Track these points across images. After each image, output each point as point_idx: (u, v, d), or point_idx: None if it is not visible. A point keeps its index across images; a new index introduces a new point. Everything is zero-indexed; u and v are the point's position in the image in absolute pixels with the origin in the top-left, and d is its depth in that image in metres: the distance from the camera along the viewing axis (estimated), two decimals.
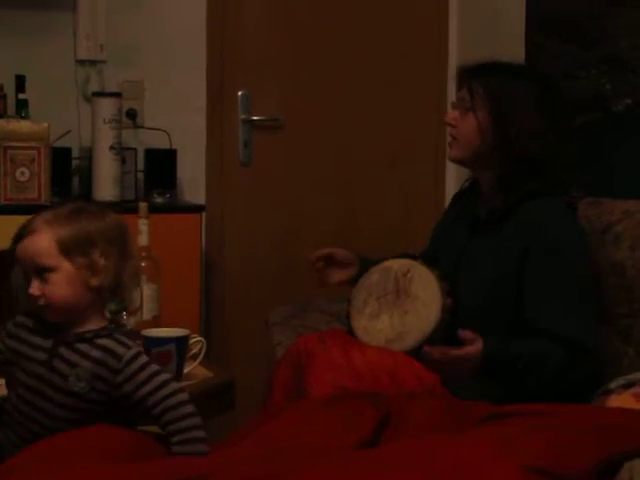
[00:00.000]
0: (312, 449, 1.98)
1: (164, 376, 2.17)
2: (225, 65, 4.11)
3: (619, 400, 2.34)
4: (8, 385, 2.24)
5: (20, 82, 3.75)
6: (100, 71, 3.96)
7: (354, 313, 2.76)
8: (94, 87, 3.91)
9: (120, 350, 2.16)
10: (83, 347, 2.17)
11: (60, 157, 3.71)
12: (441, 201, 4.37)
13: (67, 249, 2.14)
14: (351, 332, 2.75)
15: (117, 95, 3.76)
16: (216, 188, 4.12)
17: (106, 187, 3.69)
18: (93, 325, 2.20)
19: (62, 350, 2.17)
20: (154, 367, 2.17)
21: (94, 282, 2.17)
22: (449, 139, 2.77)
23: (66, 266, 2.15)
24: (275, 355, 2.98)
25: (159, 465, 1.95)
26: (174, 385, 2.18)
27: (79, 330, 2.18)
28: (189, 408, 2.15)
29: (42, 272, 2.14)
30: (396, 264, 2.75)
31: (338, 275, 2.95)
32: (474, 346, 2.53)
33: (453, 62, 4.32)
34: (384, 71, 4.31)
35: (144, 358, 2.18)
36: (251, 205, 4.18)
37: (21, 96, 3.73)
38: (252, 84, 4.15)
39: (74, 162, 3.85)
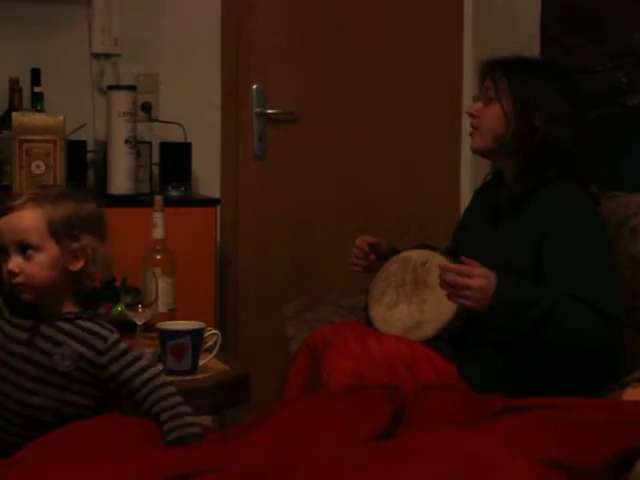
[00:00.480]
0: (326, 441, 1.98)
1: (146, 361, 2.21)
2: (240, 58, 4.11)
3: (634, 393, 2.34)
4: None
5: (35, 75, 3.76)
6: (115, 64, 3.97)
7: (372, 303, 2.77)
8: (109, 80, 3.92)
9: (104, 332, 2.18)
10: (66, 326, 2.17)
11: (75, 150, 3.72)
12: (455, 195, 4.37)
13: (56, 230, 2.16)
14: (369, 322, 2.76)
15: (132, 88, 3.77)
16: (231, 181, 4.13)
17: (121, 180, 3.69)
18: (68, 308, 2.20)
19: (43, 328, 2.17)
20: (136, 352, 2.20)
21: (74, 266, 2.18)
22: (470, 130, 2.79)
23: (52, 247, 2.16)
24: (290, 349, 2.99)
25: (171, 455, 1.95)
26: (157, 369, 2.24)
27: (55, 311, 2.19)
28: (174, 389, 2.18)
29: (26, 249, 2.14)
30: (415, 254, 2.76)
31: (377, 264, 2.94)
32: (485, 271, 2.49)
33: (468, 55, 4.32)
34: (399, 65, 4.30)
35: (126, 343, 2.20)
36: (266, 198, 4.18)
37: (37, 89, 3.74)
38: (267, 77, 4.15)
39: (89, 155, 3.85)
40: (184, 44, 4.02)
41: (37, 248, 2.15)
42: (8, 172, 3.59)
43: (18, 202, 2.16)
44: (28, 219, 2.15)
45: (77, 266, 2.19)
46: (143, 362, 2.18)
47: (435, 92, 4.35)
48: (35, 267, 2.15)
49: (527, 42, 3.82)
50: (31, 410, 2.15)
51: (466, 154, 4.35)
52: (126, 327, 2.64)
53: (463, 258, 2.53)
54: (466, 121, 4.27)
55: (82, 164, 3.79)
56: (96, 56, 3.95)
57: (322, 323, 2.96)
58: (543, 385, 2.49)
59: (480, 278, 2.48)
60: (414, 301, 2.70)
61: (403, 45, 4.30)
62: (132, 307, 2.53)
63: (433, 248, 2.81)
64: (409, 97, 4.32)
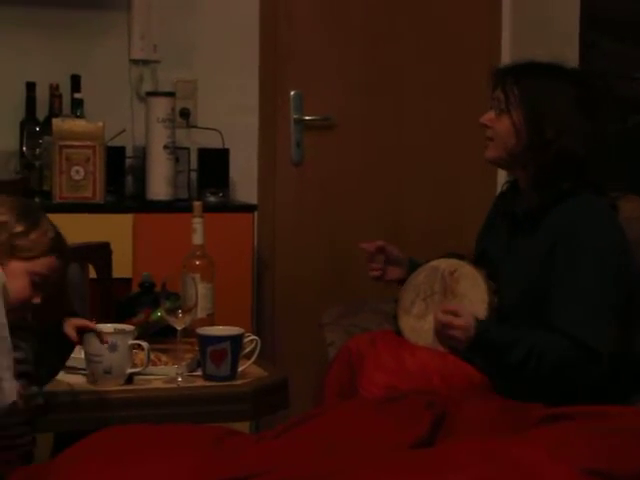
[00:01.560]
0: (367, 448, 1.98)
1: None
2: (278, 65, 4.13)
3: None
4: None
5: (75, 82, 3.79)
6: (154, 71, 3.99)
7: (401, 313, 2.76)
8: (148, 87, 3.95)
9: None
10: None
11: (114, 156, 3.74)
12: (491, 196, 4.34)
13: None
14: (398, 332, 2.75)
15: (171, 95, 3.79)
16: (268, 187, 4.14)
17: (159, 186, 3.72)
18: None
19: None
20: None
21: None
22: (485, 140, 2.76)
23: None
24: (327, 355, 2.98)
25: (212, 460, 1.96)
26: None
27: None
28: None
29: None
30: (443, 264, 2.75)
31: (392, 272, 2.94)
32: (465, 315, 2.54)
33: (506, 62, 4.30)
34: (436, 71, 4.30)
35: None
36: (302, 204, 4.19)
37: (76, 96, 3.77)
38: (304, 84, 4.16)
39: (128, 161, 3.88)
40: (222, 50, 4.03)
41: None
42: (48, 177, 3.62)
43: None
44: None
45: None
46: None
47: (472, 98, 4.33)
48: None
49: (565, 47, 3.81)
50: None
51: None
52: (165, 332, 2.66)
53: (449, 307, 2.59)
54: None
55: (121, 170, 3.82)
56: (135, 62, 3.98)
57: (360, 329, 2.96)
58: (574, 397, 2.46)
59: (464, 318, 2.54)
60: None
61: (441, 51, 4.30)
62: (172, 312, 2.53)
63: (461, 257, 2.80)
64: (446, 103, 4.31)
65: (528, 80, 2.66)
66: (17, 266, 2.16)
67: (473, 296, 2.64)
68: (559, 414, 2.13)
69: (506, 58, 4.32)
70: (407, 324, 2.73)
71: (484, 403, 2.28)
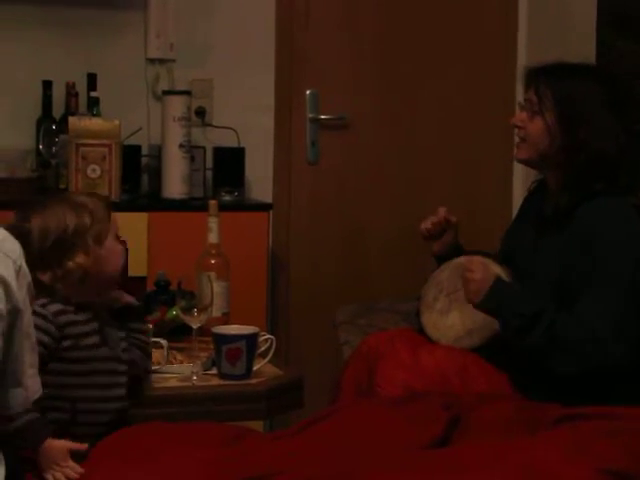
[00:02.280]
0: (383, 448, 1.98)
1: None
2: (293, 64, 4.12)
3: None
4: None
5: (92, 80, 3.79)
6: (170, 69, 3.99)
7: (424, 309, 2.76)
8: (164, 85, 3.95)
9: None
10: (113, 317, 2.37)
11: (130, 154, 3.74)
12: (508, 201, 4.35)
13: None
14: (421, 329, 2.75)
15: (187, 93, 3.79)
16: (283, 186, 4.14)
17: (175, 185, 3.72)
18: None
19: (108, 325, 2.32)
20: None
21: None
22: (517, 140, 2.76)
23: None
24: (342, 354, 2.99)
25: (226, 458, 1.96)
26: None
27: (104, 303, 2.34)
28: None
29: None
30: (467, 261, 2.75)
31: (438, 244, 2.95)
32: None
33: (522, 62, 4.29)
34: (451, 71, 4.29)
35: None
36: (317, 203, 4.19)
37: (93, 94, 3.77)
38: (320, 83, 4.16)
39: (144, 160, 3.88)
40: (238, 50, 4.03)
41: None
42: (64, 176, 3.62)
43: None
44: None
45: None
46: None
47: (488, 98, 4.33)
48: None
49: (582, 46, 3.80)
50: (118, 402, 2.27)
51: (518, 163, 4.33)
52: (181, 331, 2.66)
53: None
54: None
55: (137, 168, 3.82)
56: (151, 61, 3.98)
57: (375, 329, 2.96)
58: (597, 395, 2.46)
59: (478, 272, 2.57)
60: (466, 308, 2.69)
61: (456, 50, 4.29)
62: (187, 311, 2.54)
63: (487, 255, 2.80)
64: (462, 103, 4.31)
65: (560, 81, 2.67)
66: (108, 243, 2.30)
67: None
68: (575, 414, 2.12)
69: (522, 58, 4.31)
70: (430, 320, 2.74)
71: (501, 403, 2.28)
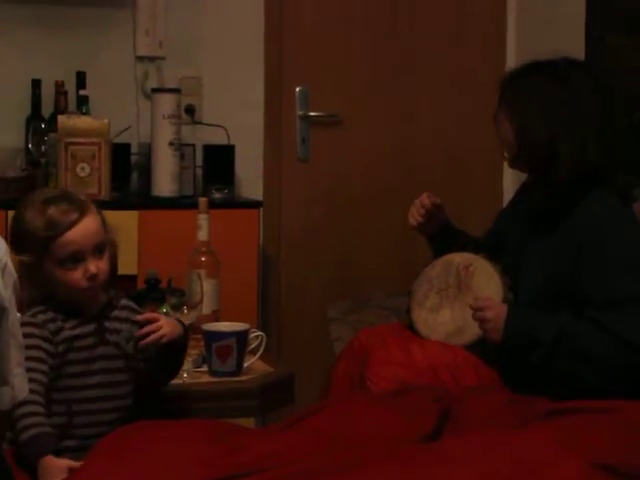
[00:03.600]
0: (374, 442, 1.98)
1: None
2: (283, 61, 4.12)
3: None
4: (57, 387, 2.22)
5: (81, 79, 3.79)
6: (159, 67, 3.99)
7: (415, 306, 2.76)
8: (153, 83, 3.94)
9: (134, 305, 2.34)
10: (117, 313, 2.30)
11: (120, 153, 3.74)
12: (499, 197, 4.35)
13: (105, 226, 2.26)
14: (411, 325, 2.75)
15: (176, 91, 3.79)
16: (274, 184, 4.14)
17: (165, 183, 3.71)
18: (102, 297, 2.29)
19: (106, 323, 2.27)
20: None
21: (114, 255, 2.27)
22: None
23: (106, 242, 2.25)
24: (333, 350, 2.99)
25: (219, 454, 1.96)
26: None
27: (99, 303, 2.27)
28: None
29: (101, 250, 2.22)
30: (458, 257, 2.75)
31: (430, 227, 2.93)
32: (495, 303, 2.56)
33: (512, 57, 4.30)
34: (442, 67, 4.29)
35: None
36: (308, 200, 4.18)
37: (82, 92, 3.77)
38: (310, 80, 4.16)
39: (133, 158, 3.88)
40: (228, 47, 4.03)
41: (105, 245, 2.24)
42: (54, 174, 3.61)
43: (77, 208, 2.20)
44: (95, 221, 2.22)
45: (114, 255, 2.29)
46: None
47: (479, 94, 4.33)
48: (104, 264, 2.23)
49: (571, 42, 3.80)
50: (120, 400, 2.26)
51: None
52: None
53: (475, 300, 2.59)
54: None
55: (126, 166, 3.81)
56: (140, 59, 3.98)
57: (366, 325, 2.96)
58: (589, 390, 2.46)
59: (490, 310, 2.55)
60: (457, 306, 2.69)
61: (446, 47, 4.29)
62: (177, 308, 2.53)
63: (477, 250, 2.80)
64: (452, 99, 4.31)
65: (514, 88, 2.68)
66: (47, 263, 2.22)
67: (488, 291, 2.64)
68: (565, 408, 2.13)
69: (512, 55, 4.31)
70: (420, 317, 2.74)
71: (491, 397, 2.29)
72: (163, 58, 3.99)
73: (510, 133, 2.66)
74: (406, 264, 4.10)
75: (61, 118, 3.59)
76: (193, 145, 3.90)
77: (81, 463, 2.01)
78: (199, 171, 3.90)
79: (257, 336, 2.64)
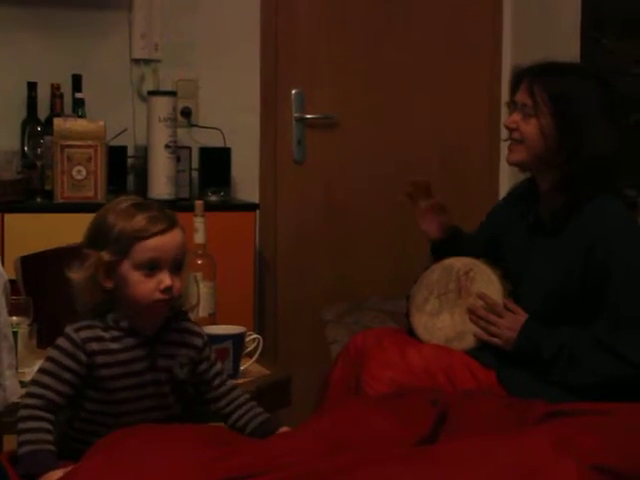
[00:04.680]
0: (372, 446, 1.98)
1: None
2: (279, 63, 4.13)
3: None
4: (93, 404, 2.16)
5: (77, 81, 3.79)
6: (155, 70, 3.99)
7: (414, 311, 2.75)
8: (149, 86, 3.94)
9: (198, 329, 2.23)
10: (173, 336, 2.19)
11: (116, 155, 3.74)
12: (494, 199, 4.35)
13: (185, 246, 2.19)
14: (411, 330, 2.75)
15: (172, 94, 3.79)
16: (270, 186, 4.14)
17: (161, 185, 3.71)
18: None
19: (159, 348, 2.17)
20: None
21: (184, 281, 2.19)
22: (510, 143, 2.70)
23: (185, 263, 2.18)
24: (330, 353, 2.99)
25: (216, 458, 1.96)
26: None
27: (156, 324, 2.18)
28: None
29: (179, 267, 2.15)
30: (458, 262, 2.75)
31: (429, 222, 2.96)
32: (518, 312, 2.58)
33: (507, 59, 4.31)
34: (437, 69, 4.30)
35: None
36: (304, 203, 4.19)
37: (78, 95, 3.77)
38: (306, 82, 4.16)
39: (129, 160, 3.88)
40: (223, 49, 4.03)
41: (183, 265, 2.17)
42: (50, 177, 3.62)
43: (168, 221, 2.15)
44: (181, 237, 2.16)
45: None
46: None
47: (474, 95, 4.34)
48: (181, 283, 2.16)
49: (567, 44, 3.81)
50: (175, 419, 2.19)
51: (504, 160, 4.33)
52: None
53: (507, 303, 2.62)
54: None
55: (122, 169, 3.82)
56: (136, 62, 3.98)
57: (362, 327, 2.96)
58: (585, 394, 2.46)
59: (509, 318, 2.58)
60: (457, 311, 2.69)
61: (442, 49, 4.29)
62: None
63: (476, 256, 2.79)
64: (448, 101, 4.31)
65: (555, 82, 2.62)
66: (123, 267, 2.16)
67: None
68: (562, 411, 2.13)
69: (507, 55, 4.32)
70: (420, 322, 2.73)
71: (487, 400, 2.29)
72: (159, 61, 3.99)
73: (550, 129, 2.60)
74: (402, 266, 4.11)
75: (57, 121, 3.59)
76: (189, 148, 3.91)
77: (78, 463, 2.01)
78: (195, 174, 3.91)
79: (254, 339, 2.64)
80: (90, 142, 3.58)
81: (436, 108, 4.30)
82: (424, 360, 2.58)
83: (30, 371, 2.45)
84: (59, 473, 1.99)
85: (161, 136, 3.71)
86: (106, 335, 2.13)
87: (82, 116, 3.72)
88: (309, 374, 3.39)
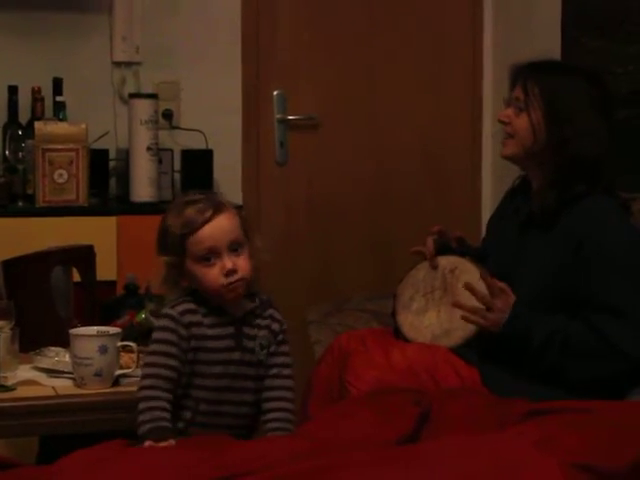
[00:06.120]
0: (354, 445, 1.99)
1: None
2: (260, 65, 4.12)
3: None
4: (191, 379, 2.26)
5: (57, 85, 3.78)
6: (136, 72, 3.98)
7: (400, 309, 2.76)
8: (130, 88, 3.93)
9: (280, 316, 2.36)
10: (258, 320, 2.31)
11: (97, 158, 3.73)
12: (477, 197, 4.36)
13: (244, 226, 2.28)
14: (397, 328, 2.76)
15: (153, 96, 3.78)
16: (252, 188, 4.13)
17: (143, 188, 3.71)
18: (245, 300, 2.30)
19: (245, 329, 2.28)
20: None
21: (254, 259, 2.28)
22: (504, 136, 2.74)
23: (246, 242, 2.27)
24: (313, 353, 2.99)
25: (198, 459, 1.96)
26: None
27: (244, 309, 2.29)
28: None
29: (237, 248, 2.24)
30: (443, 260, 2.76)
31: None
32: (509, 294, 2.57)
33: (488, 57, 4.31)
34: (419, 68, 4.30)
35: None
36: (288, 204, 4.19)
37: (59, 98, 3.76)
38: (287, 84, 4.16)
39: (111, 163, 3.87)
40: (205, 51, 4.03)
41: (242, 244, 2.26)
42: (31, 181, 3.60)
43: (213, 207, 2.25)
44: (232, 219, 2.26)
45: (254, 258, 2.29)
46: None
47: (456, 94, 4.35)
48: (244, 262, 2.25)
49: (547, 43, 3.82)
50: (244, 407, 2.28)
51: (487, 157, 4.35)
52: (150, 334, 2.65)
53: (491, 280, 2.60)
54: (487, 123, 4.31)
55: (104, 172, 3.80)
56: (117, 64, 3.97)
57: (346, 327, 2.96)
58: (569, 392, 2.47)
59: (499, 299, 2.57)
60: (443, 309, 2.70)
61: (423, 48, 4.30)
62: (156, 314, 2.53)
63: (462, 254, 2.80)
64: (430, 100, 4.32)
65: (548, 78, 2.67)
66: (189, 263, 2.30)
67: None
68: (544, 409, 2.13)
69: (488, 56, 4.33)
70: (406, 320, 2.74)
71: (470, 399, 2.29)
72: (140, 63, 3.98)
73: (539, 124, 2.63)
74: (386, 266, 4.12)
75: (38, 124, 3.58)
76: (171, 150, 3.90)
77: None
78: (177, 176, 3.90)
79: None
80: (71, 145, 3.57)
81: (418, 108, 4.30)
82: (407, 360, 2.58)
83: (13, 375, 2.46)
84: (172, 442, 2.11)
85: (143, 139, 3.70)
86: (200, 309, 2.26)
87: (63, 119, 3.71)
88: (293, 374, 3.38)
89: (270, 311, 2.34)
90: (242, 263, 2.23)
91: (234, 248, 2.24)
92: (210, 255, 2.22)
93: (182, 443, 2.11)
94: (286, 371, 2.33)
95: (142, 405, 2.20)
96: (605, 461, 1.90)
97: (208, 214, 2.23)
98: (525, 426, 2.02)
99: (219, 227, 2.23)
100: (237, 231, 2.25)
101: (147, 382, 2.22)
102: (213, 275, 2.22)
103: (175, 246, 2.24)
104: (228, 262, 2.22)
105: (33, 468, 2.08)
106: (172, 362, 2.23)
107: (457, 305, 2.61)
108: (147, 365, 2.26)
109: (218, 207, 2.25)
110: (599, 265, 2.53)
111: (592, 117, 2.63)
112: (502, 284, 2.60)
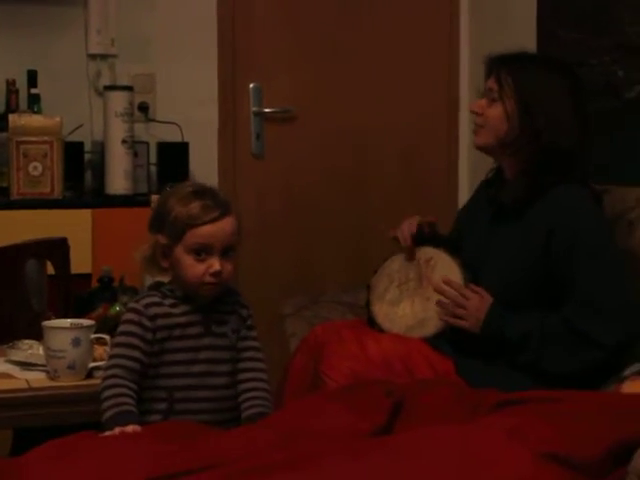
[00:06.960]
0: (326, 437, 1.99)
1: None
2: (236, 58, 4.11)
3: (633, 386, 2.34)
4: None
5: (32, 77, 3.76)
6: (111, 65, 3.97)
7: (375, 300, 2.77)
8: (106, 81, 3.92)
9: (245, 302, 2.42)
10: (224, 307, 2.37)
11: (72, 151, 3.72)
12: (454, 191, 4.37)
13: (239, 230, 2.33)
14: (371, 319, 2.76)
15: (129, 89, 3.77)
16: (229, 180, 4.13)
17: (118, 180, 3.70)
18: None
19: (213, 315, 2.34)
20: None
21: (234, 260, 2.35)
22: (475, 127, 2.75)
23: (237, 247, 2.33)
24: (289, 346, 2.99)
25: (168, 451, 1.96)
26: None
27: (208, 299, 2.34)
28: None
29: (228, 252, 2.30)
30: (418, 251, 2.76)
31: None
32: (484, 295, 2.60)
33: (465, 51, 4.32)
34: (395, 61, 4.30)
35: None
36: (264, 197, 4.18)
37: (33, 91, 3.74)
38: (263, 76, 4.16)
39: (86, 156, 3.86)
40: (180, 44, 4.02)
41: (234, 250, 2.32)
42: (6, 174, 3.59)
43: (221, 209, 2.29)
44: (232, 224, 2.31)
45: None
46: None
47: (433, 87, 4.35)
48: (229, 266, 2.31)
49: (523, 36, 3.83)
50: (222, 391, 2.32)
51: (464, 151, 4.36)
52: None
53: (471, 286, 2.63)
54: (463, 117, 4.32)
55: (79, 165, 3.80)
56: (92, 57, 3.96)
57: (321, 320, 2.96)
58: (542, 382, 2.49)
59: (476, 300, 2.59)
60: (417, 299, 2.71)
61: (399, 42, 4.30)
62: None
63: (437, 245, 2.80)
64: (406, 93, 4.32)
65: (522, 69, 2.68)
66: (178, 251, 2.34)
67: None
68: (515, 399, 2.14)
69: (465, 48, 4.34)
70: (380, 310, 2.75)
71: (441, 389, 2.29)
72: (115, 56, 3.97)
73: (512, 113, 2.65)
74: (362, 259, 4.12)
75: (12, 117, 3.56)
76: (147, 143, 3.89)
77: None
78: (153, 168, 3.89)
79: None
80: (46, 138, 3.56)
81: (395, 102, 4.30)
82: (382, 350, 2.59)
83: None
84: (137, 428, 2.15)
85: (118, 131, 3.69)
86: (165, 301, 2.31)
87: (38, 112, 3.70)
88: (269, 367, 3.38)
89: (236, 297, 2.41)
90: (229, 268, 2.30)
91: (226, 252, 2.30)
92: (203, 250, 2.27)
93: (151, 430, 2.10)
94: (258, 354, 2.39)
95: (105, 393, 2.25)
96: (577, 451, 1.90)
97: (215, 214, 2.28)
98: (497, 416, 2.03)
99: (221, 229, 2.28)
100: (234, 236, 2.31)
101: (110, 372, 2.27)
102: (199, 270, 2.28)
103: (173, 231, 2.28)
104: (217, 264, 2.27)
105: (3, 460, 2.07)
106: (135, 354, 2.27)
107: (438, 304, 2.65)
108: (111, 356, 2.31)
109: (226, 209, 2.30)
110: (571, 253, 2.54)
111: (565, 108, 2.64)
112: (478, 288, 2.63)
